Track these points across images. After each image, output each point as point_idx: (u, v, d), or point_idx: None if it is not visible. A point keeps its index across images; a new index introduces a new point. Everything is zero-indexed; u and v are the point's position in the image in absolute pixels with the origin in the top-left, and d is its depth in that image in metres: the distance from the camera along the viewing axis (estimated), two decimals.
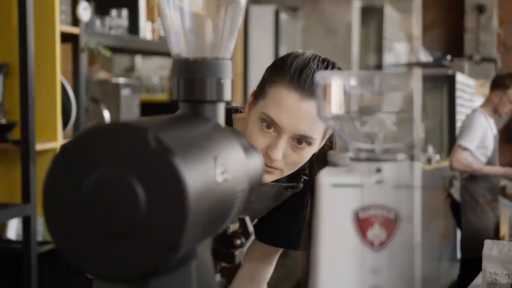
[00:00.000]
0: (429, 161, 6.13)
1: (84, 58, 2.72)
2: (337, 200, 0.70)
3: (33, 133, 2.36)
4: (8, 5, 2.48)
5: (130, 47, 3.19)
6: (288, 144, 1.27)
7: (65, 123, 2.64)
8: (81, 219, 0.63)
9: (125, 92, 3.10)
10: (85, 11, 2.68)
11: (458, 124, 7.27)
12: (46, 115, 2.51)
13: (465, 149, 4.24)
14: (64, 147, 0.64)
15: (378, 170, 0.70)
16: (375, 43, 7.44)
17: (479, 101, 8.37)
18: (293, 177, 1.42)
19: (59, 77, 2.53)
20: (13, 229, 2.57)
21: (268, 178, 1.31)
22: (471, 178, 4.34)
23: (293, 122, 1.24)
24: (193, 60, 0.83)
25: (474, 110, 4.46)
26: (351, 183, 0.70)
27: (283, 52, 6.38)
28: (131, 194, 0.62)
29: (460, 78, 7.14)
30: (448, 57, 6.33)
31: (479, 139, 4.29)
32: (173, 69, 0.84)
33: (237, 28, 0.86)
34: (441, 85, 6.99)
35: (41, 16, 2.49)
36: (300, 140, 1.26)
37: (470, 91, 7.72)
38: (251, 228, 0.94)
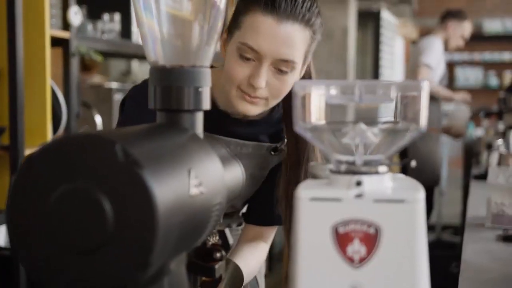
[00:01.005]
0: None
1: (75, 62, 2.69)
2: (315, 214, 0.67)
3: (22, 139, 2.33)
4: None
5: (122, 51, 3.17)
6: (270, 71, 1.24)
7: (55, 128, 2.61)
8: (47, 233, 0.61)
9: (118, 97, 3.08)
10: (76, 16, 2.65)
11: (382, 62, 7.35)
12: (36, 120, 2.48)
13: (428, 66, 4.32)
14: (30, 158, 0.61)
15: (358, 184, 0.68)
16: (372, 46, 7.44)
17: (399, 40, 8.51)
18: (275, 138, 1.40)
19: (49, 81, 2.50)
20: (2, 235, 2.54)
21: (254, 110, 1.27)
22: None
23: (273, 47, 1.21)
24: (170, 67, 0.80)
25: (425, 38, 4.58)
26: (330, 197, 0.67)
27: None
28: (98, 208, 0.59)
29: (385, 15, 7.15)
30: None
31: (437, 61, 4.39)
32: (150, 77, 0.82)
33: (216, 34, 0.84)
34: (366, 21, 7.02)
35: (30, 20, 2.46)
36: (281, 68, 1.24)
37: (392, 30, 7.80)
38: (231, 240, 0.91)
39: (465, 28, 4.49)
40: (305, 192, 0.68)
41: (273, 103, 1.28)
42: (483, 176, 2.89)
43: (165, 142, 0.70)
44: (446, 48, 4.51)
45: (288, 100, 1.30)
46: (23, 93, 2.37)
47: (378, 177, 0.69)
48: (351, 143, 0.70)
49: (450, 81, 10.21)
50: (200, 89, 0.80)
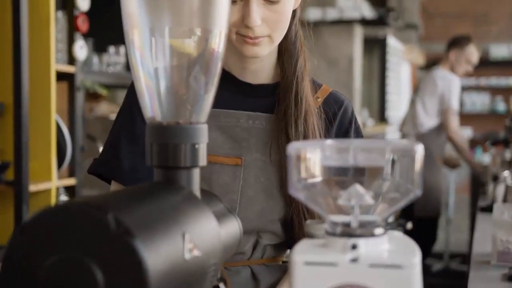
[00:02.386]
0: (363, 125, 6.13)
1: (80, 96, 2.70)
2: (311, 279, 0.67)
3: (26, 174, 2.34)
4: (3, 44, 2.47)
5: (128, 83, 3.18)
6: (261, 6, 1.16)
7: (60, 163, 2.61)
8: None
9: None
10: (81, 50, 2.67)
11: (388, 89, 7.35)
12: (40, 155, 2.49)
13: (457, 111, 4.38)
14: (22, 227, 0.61)
15: (354, 247, 0.67)
16: (378, 73, 7.46)
17: (405, 66, 8.54)
18: None
19: (54, 116, 2.51)
20: None
21: (261, 51, 1.19)
22: (429, 135, 4.40)
23: None
24: (166, 124, 0.80)
25: (436, 70, 4.55)
26: (325, 261, 0.66)
27: None
28: (90, 278, 0.59)
29: (391, 41, 7.17)
30: (392, 14, 6.32)
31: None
32: (146, 134, 0.81)
33: (213, 89, 0.84)
34: (372, 47, 7.03)
35: (36, 54, 2.48)
36: None
37: (399, 56, 7.82)
38: None
39: (469, 53, 4.49)
40: (300, 256, 0.67)
41: (278, 37, 1.20)
42: (489, 208, 2.87)
43: (159, 204, 0.70)
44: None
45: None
46: (28, 128, 2.39)
47: (374, 240, 0.68)
48: (346, 204, 0.69)
49: None
50: (196, 146, 0.80)
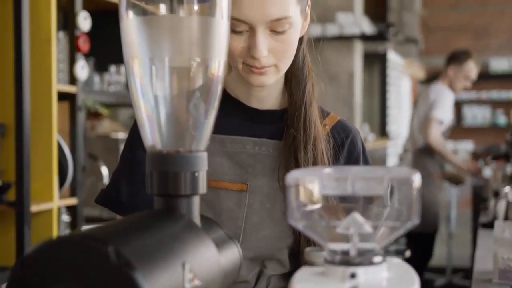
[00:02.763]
0: (364, 140, 6.09)
1: (81, 116, 2.72)
2: None
3: (28, 195, 2.34)
4: (5, 64, 2.49)
5: (129, 102, 3.20)
6: (267, 36, 1.14)
7: (61, 182, 2.62)
8: None
9: None
10: (82, 70, 2.69)
11: (388, 103, 7.36)
12: (42, 175, 2.49)
13: (440, 121, 4.33)
14: (23, 260, 0.62)
15: (353, 276, 0.68)
16: (378, 87, 7.48)
17: (406, 80, 8.57)
18: None
19: (55, 137, 2.52)
20: None
21: (267, 80, 1.19)
22: (424, 151, 4.39)
23: (258, 11, 1.12)
24: (166, 153, 0.81)
25: (434, 85, 4.55)
26: None
27: None
28: None
29: (391, 56, 7.19)
30: (392, 30, 6.31)
31: (448, 115, 4.43)
32: (147, 162, 0.82)
33: (213, 117, 0.84)
34: (372, 62, 7.04)
35: (38, 75, 2.50)
36: (277, 29, 1.14)
37: (399, 70, 7.84)
38: None
39: (468, 69, 4.49)
40: (299, 284, 0.68)
41: (285, 66, 1.20)
42: (491, 225, 2.87)
43: (159, 234, 0.70)
44: (453, 91, 4.52)
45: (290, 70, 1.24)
46: (29, 149, 2.39)
47: (373, 268, 0.68)
48: (345, 233, 0.70)
49: (458, 120, 10.25)
50: (196, 174, 0.81)
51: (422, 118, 4.40)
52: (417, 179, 0.68)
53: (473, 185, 5.57)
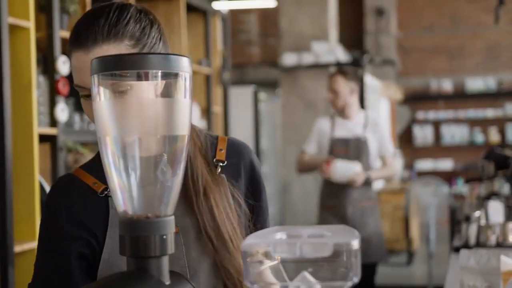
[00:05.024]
0: None
1: (62, 157, 2.79)
2: None
3: (11, 236, 2.41)
4: None
5: None
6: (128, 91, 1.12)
7: None
8: None
9: None
10: (62, 112, 2.77)
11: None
12: (24, 216, 2.56)
13: (303, 151, 4.18)
14: None
15: None
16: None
17: (384, 102, 8.72)
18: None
19: (37, 178, 2.60)
20: None
21: None
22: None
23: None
24: (137, 219, 0.90)
25: (369, 113, 4.29)
26: None
27: (264, 129, 6.53)
28: None
29: (368, 80, 7.33)
30: (366, 56, 6.39)
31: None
32: (120, 227, 0.91)
33: (178, 184, 0.93)
34: None
35: (19, 118, 2.57)
36: (120, 90, 1.10)
37: (377, 92, 7.96)
38: None
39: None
40: None
41: None
42: (463, 249, 2.94)
43: None
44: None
45: None
46: (12, 191, 2.46)
47: None
48: None
49: (437, 139, 10.43)
50: (165, 237, 0.90)
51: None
52: (356, 243, 0.78)
53: (449, 205, 5.68)
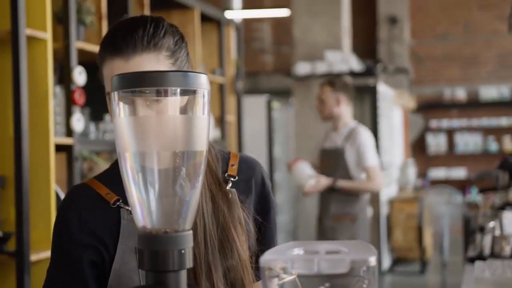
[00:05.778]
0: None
1: (77, 166, 2.82)
2: None
3: (27, 245, 2.44)
4: (4, 120, 2.60)
5: None
6: (145, 107, 1.09)
7: None
8: None
9: None
10: (78, 122, 2.80)
11: (380, 134, 7.45)
12: (41, 225, 2.59)
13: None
14: None
15: None
16: (369, 119, 7.61)
17: (397, 110, 8.70)
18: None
19: (53, 187, 2.62)
20: None
21: None
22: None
23: None
24: (155, 234, 0.91)
25: (357, 126, 4.16)
26: None
27: (277, 138, 6.54)
28: None
29: (381, 88, 7.31)
30: (379, 65, 6.38)
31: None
32: (138, 241, 0.92)
33: (197, 198, 0.95)
34: (362, 95, 7.15)
35: (36, 129, 2.60)
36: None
37: (390, 101, 7.94)
38: None
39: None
40: None
41: None
42: (478, 259, 2.93)
43: None
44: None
45: None
46: (29, 200, 2.49)
47: None
48: None
49: (450, 148, 10.39)
50: (183, 251, 0.91)
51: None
52: (373, 260, 0.79)
53: (463, 214, 5.66)
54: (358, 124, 4.14)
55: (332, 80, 4.15)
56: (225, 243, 1.27)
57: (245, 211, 1.32)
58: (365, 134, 4.03)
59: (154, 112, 1.01)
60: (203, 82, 0.91)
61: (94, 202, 1.30)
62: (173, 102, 0.90)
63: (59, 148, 2.76)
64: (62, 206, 1.32)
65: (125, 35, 1.22)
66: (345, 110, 4.04)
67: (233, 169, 1.35)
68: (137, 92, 0.91)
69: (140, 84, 0.90)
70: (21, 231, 2.45)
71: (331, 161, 4.03)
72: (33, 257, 2.51)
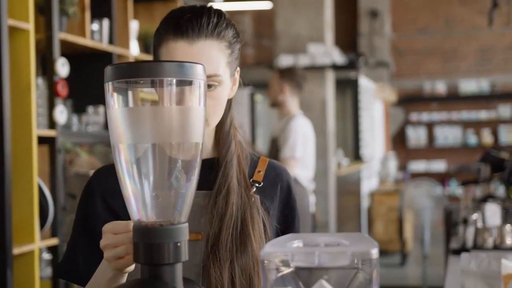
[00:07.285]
0: (339, 165, 6.19)
1: (60, 158, 2.79)
2: None
3: (10, 239, 2.40)
4: None
5: (106, 141, 3.27)
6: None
7: (42, 224, 2.68)
8: None
9: None
10: (61, 114, 2.76)
11: (361, 127, 7.51)
12: (23, 218, 2.55)
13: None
14: None
15: None
16: (351, 112, 7.63)
17: (378, 104, 8.75)
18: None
19: (36, 180, 2.59)
20: None
21: None
22: None
23: None
24: (151, 227, 0.89)
25: (294, 116, 4.10)
26: None
27: (259, 132, 6.53)
28: None
29: (363, 82, 7.36)
30: (361, 59, 6.41)
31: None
32: (134, 234, 0.91)
33: (192, 191, 0.93)
34: (344, 88, 7.20)
35: (18, 120, 2.56)
36: (207, 83, 1.18)
37: (371, 94, 8.00)
38: None
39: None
40: None
41: (214, 122, 1.27)
42: (460, 251, 2.95)
43: None
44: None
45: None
46: (11, 193, 2.45)
47: None
48: None
49: (430, 141, 10.45)
50: (179, 244, 0.90)
51: None
52: (375, 252, 0.78)
53: (444, 207, 5.69)
54: (299, 115, 4.12)
55: (283, 70, 4.22)
56: (242, 238, 1.26)
57: (265, 216, 1.32)
58: (296, 124, 3.98)
59: (148, 103, 0.99)
60: (199, 73, 0.90)
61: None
62: (168, 92, 0.89)
63: (42, 140, 2.72)
64: (89, 179, 1.34)
65: (190, 19, 1.23)
66: (289, 99, 4.04)
67: (259, 175, 1.36)
68: (132, 82, 0.90)
69: (135, 74, 0.88)
70: (3, 224, 2.41)
71: (272, 150, 4.05)
72: (16, 250, 2.47)
